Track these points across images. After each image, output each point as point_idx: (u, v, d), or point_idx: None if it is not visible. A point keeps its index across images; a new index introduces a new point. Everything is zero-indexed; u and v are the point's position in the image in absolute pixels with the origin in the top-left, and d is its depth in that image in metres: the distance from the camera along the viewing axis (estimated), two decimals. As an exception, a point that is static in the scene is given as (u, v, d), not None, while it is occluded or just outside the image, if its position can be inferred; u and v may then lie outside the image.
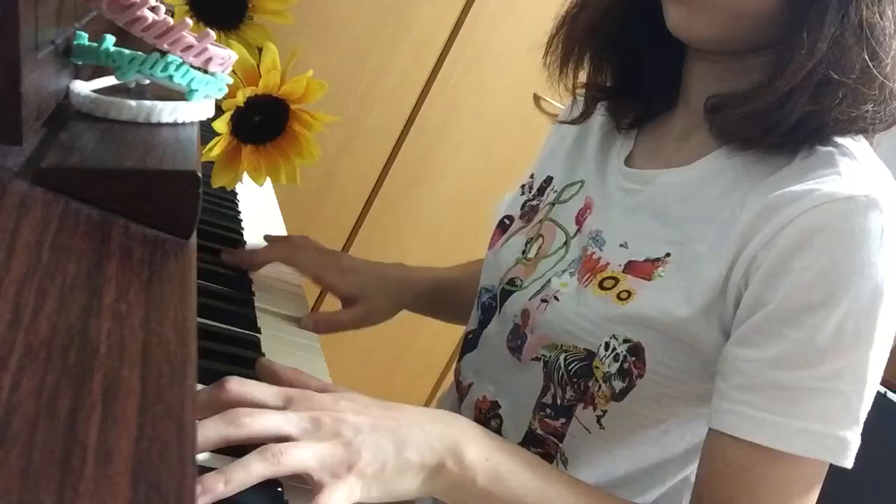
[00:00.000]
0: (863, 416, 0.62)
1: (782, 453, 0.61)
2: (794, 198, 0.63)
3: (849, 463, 0.62)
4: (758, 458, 0.62)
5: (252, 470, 0.49)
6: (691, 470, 0.77)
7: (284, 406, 0.55)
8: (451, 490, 0.58)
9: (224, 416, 0.51)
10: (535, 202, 0.88)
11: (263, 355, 0.73)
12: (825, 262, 0.60)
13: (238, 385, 0.54)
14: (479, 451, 0.59)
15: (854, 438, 0.62)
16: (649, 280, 0.69)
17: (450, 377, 2.09)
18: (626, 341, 0.69)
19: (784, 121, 0.65)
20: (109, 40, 0.60)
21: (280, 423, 0.52)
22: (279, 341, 0.79)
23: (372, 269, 0.96)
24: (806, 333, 0.61)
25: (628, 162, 0.81)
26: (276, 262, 0.90)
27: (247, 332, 0.76)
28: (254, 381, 0.56)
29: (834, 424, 0.61)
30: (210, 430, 0.50)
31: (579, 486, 0.64)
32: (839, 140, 0.67)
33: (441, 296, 1.03)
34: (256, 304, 0.83)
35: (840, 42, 0.63)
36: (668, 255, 0.70)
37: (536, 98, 1.87)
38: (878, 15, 0.64)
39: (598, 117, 0.87)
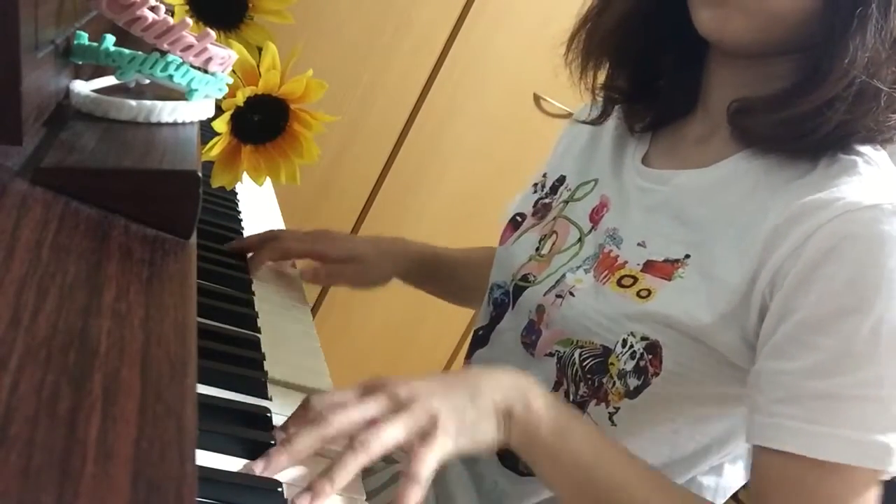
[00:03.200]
0: None
1: (826, 462, 0.61)
2: (818, 206, 0.62)
3: (894, 468, 0.61)
4: (803, 469, 0.62)
5: (348, 465, 0.54)
6: (698, 470, 0.76)
7: (363, 395, 0.59)
8: (522, 438, 0.62)
9: (315, 422, 0.56)
10: (547, 200, 0.88)
11: (263, 355, 0.73)
12: (853, 269, 0.60)
13: (319, 398, 0.59)
14: (544, 402, 0.63)
15: None
16: (669, 280, 0.69)
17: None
18: (643, 339, 0.69)
19: (820, 128, 0.65)
20: (109, 40, 0.60)
21: (363, 412, 0.57)
22: (279, 341, 0.79)
23: (364, 237, 1.01)
24: (839, 340, 0.61)
25: (644, 162, 0.80)
26: (268, 263, 0.93)
27: (247, 331, 0.76)
28: (331, 393, 0.60)
29: (874, 431, 0.61)
30: (305, 438, 0.55)
31: (633, 455, 0.67)
32: (860, 148, 0.67)
33: (436, 269, 1.04)
34: (256, 303, 0.83)
35: (878, 52, 0.63)
36: (687, 256, 0.69)
37: (536, 98, 1.87)
38: None
39: (612, 118, 0.86)
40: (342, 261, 0.97)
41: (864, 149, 0.67)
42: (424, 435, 0.57)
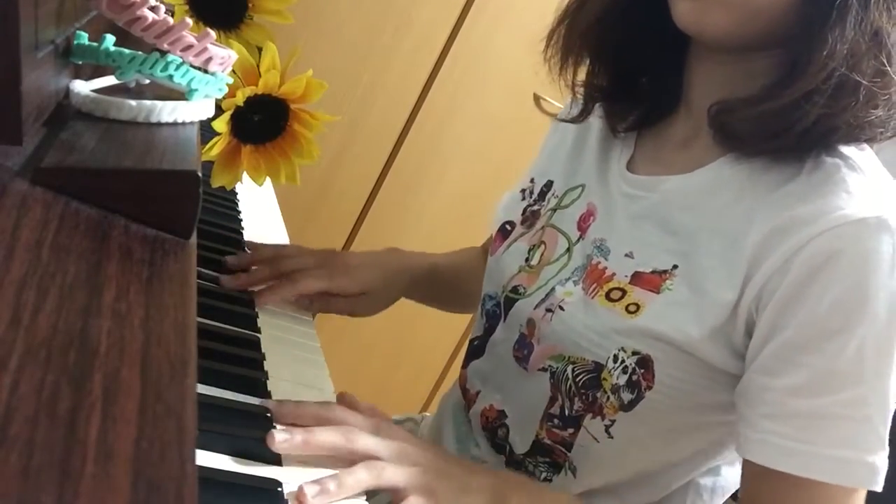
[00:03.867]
0: (887, 437, 0.63)
1: (814, 480, 0.62)
2: (804, 221, 0.62)
3: (878, 487, 0.62)
4: (791, 486, 0.63)
5: (360, 477, 0.59)
6: (697, 472, 0.76)
7: (375, 432, 0.64)
8: None
9: (340, 430, 0.61)
10: (535, 207, 0.87)
11: (263, 355, 0.73)
12: (840, 288, 0.60)
13: (344, 412, 0.65)
14: (522, 501, 0.67)
15: (882, 462, 0.62)
16: (657, 293, 0.69)
17: (450, 377, 2.09)
18: (634, 353, 0.68)
19: (799, 123, 0.64)
20: (109, 40, 0.60)
21: (377, 446, 0.62)
22: (279, 341, 0.79)
23: (373, 260, 0.95)
24: (826, 360, 0.61)
25: (630, 167, 0.79)
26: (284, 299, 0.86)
27: (247, 331, 0.76)
28: (352, 412, 0.66)
29: (862, 450, 0.62)
30: (328, 436, 0.60)
31: None
32: (844, 150, 0.66)
33: (436, 284, 1.03)
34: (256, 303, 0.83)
35: (858, 44, 0.62)
36: (675, 267, 0.69)
37: (536, 98, 1.87)
38: (891, 22, 0.63)
39: (598, 119, 0.85)
40: (356, 294, 0.92)
41: (848, 150, 0.67)
42: (418, 492, 0.61)
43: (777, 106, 0.65)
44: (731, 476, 0.78)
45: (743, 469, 0.68)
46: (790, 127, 0.65)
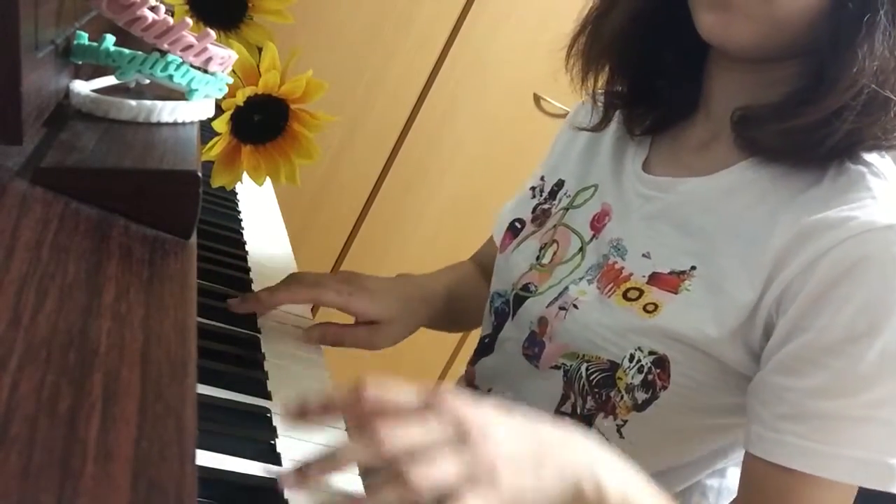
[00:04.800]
0: None
1: (830, 480, 0.61)
2: (830, 225, 0.62)
3: None
4: (800, 485, 0.62)
5: (386, 499, 0.44)
6: (704, 474, 0.76)
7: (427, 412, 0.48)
8: None
9: (359, 418, 0.47)
10: (546, 206, 0.87)
11: (263, 355, 0.73)
12: (866, 293, 0.60)
13: (376, 395, 0.48)
14: (615, 482, 0.53)
15: None
16: (676, 293, 0.69)
17: (451, 376, 2.09)
18: (651, 353, 0.68)
19: (829, 138, 0.64)
20: (109, 40, 0.60)
21: (422, 436, 0.46)
22: (279, 341, 0.79)
23: (391, 287, 0.87)
24: (848, 362, 0.61)
25: (645, 168, 0.80)
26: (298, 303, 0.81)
27: (247, 331, 0.76)
28: (391, 387, 0.49)
29: (880, 452, 0.61)
30: (353, 454, 0.46)
31: None
32: (867, 157, 0.67)
33: (452, 309, 0.98)
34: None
35: (887, 60, 0.62)
36: (693, 268, 0.69)
37: (536, 98, 1.87)
38: None
39: (612, 122, 0.85)
40: (373, 321, 0.84)
41: (871, 157, 0.67)
42: (475, 483, 0.46)
43: (806, 122, 0.65)
44: (736, 478, 0.78)
45: (746, 468, 0.67)
46: (820, 142, 0.65)
